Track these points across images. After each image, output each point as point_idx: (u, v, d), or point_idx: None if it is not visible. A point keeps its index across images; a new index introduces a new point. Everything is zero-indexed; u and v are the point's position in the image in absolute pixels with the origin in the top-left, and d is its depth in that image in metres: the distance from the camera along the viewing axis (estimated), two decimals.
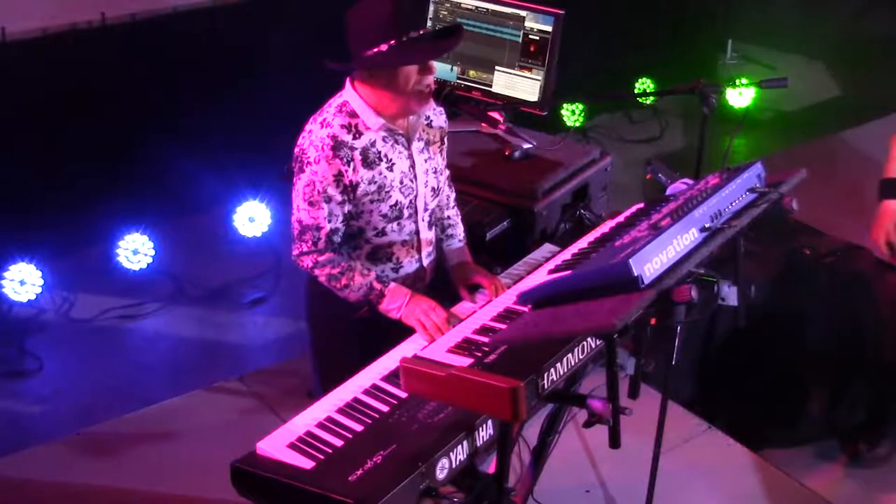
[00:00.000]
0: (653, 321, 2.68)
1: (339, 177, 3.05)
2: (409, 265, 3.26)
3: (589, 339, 2.70)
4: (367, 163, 3.07)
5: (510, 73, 4.34)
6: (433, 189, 3.25)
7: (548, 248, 3.46)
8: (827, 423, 4.35)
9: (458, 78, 4.43)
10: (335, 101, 3.12)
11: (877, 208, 4.11)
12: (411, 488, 2.36)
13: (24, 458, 4.20)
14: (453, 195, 3.47)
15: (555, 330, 2.54)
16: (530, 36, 4.29)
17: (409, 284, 3.21)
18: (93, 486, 4.05)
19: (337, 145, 3.04)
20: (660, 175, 3.47)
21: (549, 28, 4.26)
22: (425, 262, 3.31)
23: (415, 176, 3.18)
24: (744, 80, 5.50)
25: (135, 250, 5.33)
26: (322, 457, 2.48)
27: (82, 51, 5.28)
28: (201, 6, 5.58)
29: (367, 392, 2.74)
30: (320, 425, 2.61)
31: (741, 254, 3.01)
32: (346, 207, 3.10)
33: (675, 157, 6.55)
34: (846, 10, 7.63)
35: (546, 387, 2.56)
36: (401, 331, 3.07)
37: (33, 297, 5.07)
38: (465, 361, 2.68)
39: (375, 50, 2.97)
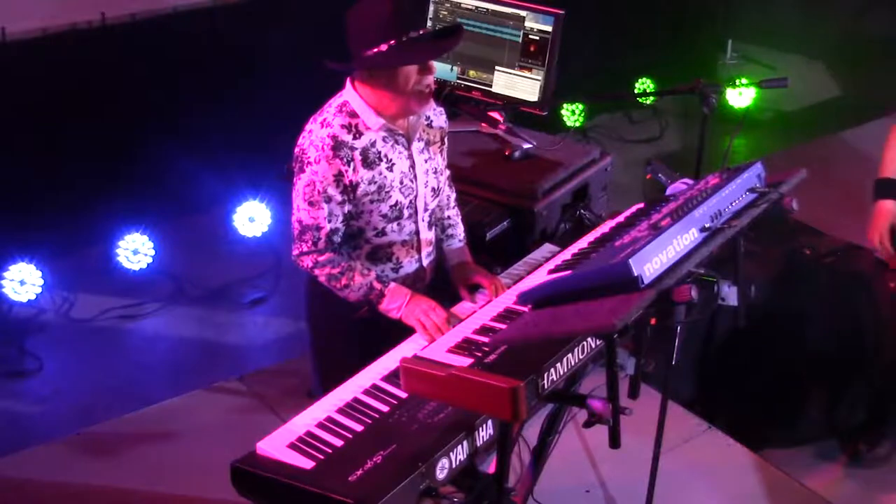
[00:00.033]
0: (653, 321, 2.68)
1: (339, 177, 3.05)
2: (409, 265, 3.26)
3: (589, 339, 2.70)
4: (367, 163, 3.07)
5: (510, 73, 4.34)
6: (433, 189, 3.25)
7: (548, 248, 3.46)
8: (827, 423, 4.35)
9: (458, 78, 4.43)
10: (335, 101, 3.13)
11: (872, 208, 4.13)
12: (411, 488, 2.36)
13: (24, 458, 4.20)
14: (454, 195, 3.47)
15: (555, 330, 2.54)
16: (530, 36, 4.29)
17: (408, 284, 3.21)
18: (93, 486, 4.05)
19: (337, 145, 3.04)
20: (660, 175, 3.47)
21: (549, 28, 4.26)
22: (425, 262, 3.31)
23: (415, 176, 3.18)
24: (744, 80, 5.50)
25: (135, 250, 5.33)
26: (322, 457, 2.48)
27: (82, 51, 5.28)
28: (201, 6, 5.58)
29: (367, 392, 2.74)
30: (320, 425, 2.61)
31: (741, 254, 3.01)
32: (346, 207, 3.10)
33: (675, 157, 6.55)
34: (846, 10, 7.63)
35: (546, 387, 2.56)
36: (401, 331, 3.07)
37: (33, 297, 5.07)
38: (465, 361, 2.68)
39: (375, 50, 2.97)
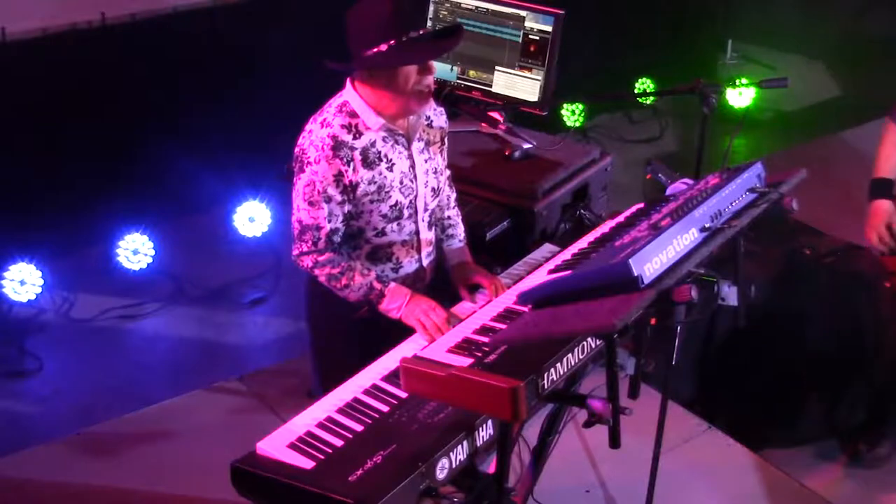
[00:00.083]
0: (653, 321, 2.68)
1: (339, 177, 3.05)
2: (409, 265, 3.26)
3: (589, 339, 2.70)
4: (367, 163, 3.07)
5: (510, 73, 4.34)
6: (433, 189, 3.25)
7: (548, 248, 3.46)
8: (827, 423, 4.35)
9: (458, 78, 4.43)
10: (335, 101, 3.13)
11: (867, 208, 4.14)
12: (411, 488, 2.36)
13: (24, 458, 4.20)
14: (454, 195, 3.47)
15: (555, 330, 2.54)
16: (530, 36, 4.29)
17: (408, 284, 3.21)
18: (93, 486, 4.05)
19: (337, 145, 3.04)
20: (660, 175, 3.47)
21: (549, 28, 4.26)
22: (425, 263, 3.31)
23: (415, 176, 3.18)
24: (744, 80, 5.51)
25: (135, 250, 5.33)
26: (322, 457, 2.48)
27: (82, 51, 5.28)
28: (201, 6, 5.58)
29: (367, 392, 2.74)
30: (320, 425, 2.61)
31: (741, 254, 3.01)
32: (346, 207, 3.10)
33: (675, 157, 6.55)
34: (846, 10, 7.63)
35: (546, 387, 2.56)
36: (401, 331, 3.07)
37: (33, 297, 5.07)
38: (465, 361, 2.68)
39: (375, 50, 2.97)
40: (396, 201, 3.14)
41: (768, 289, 4.24)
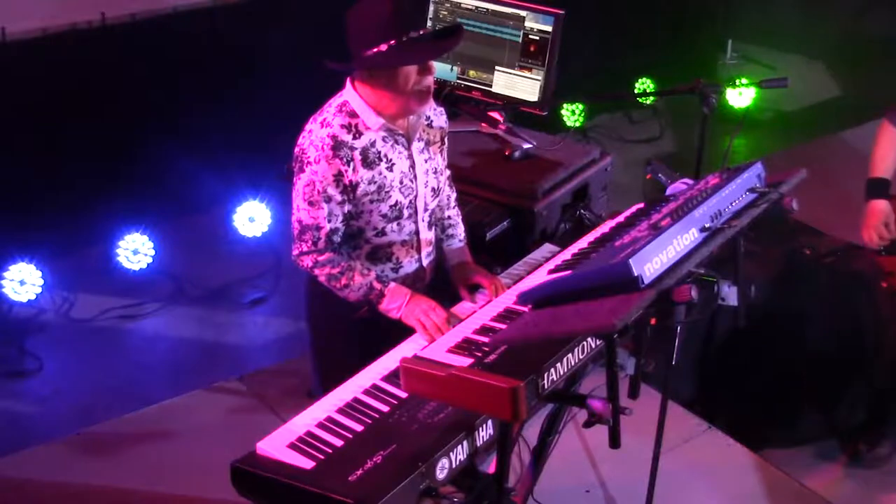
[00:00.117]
0: (653, 321, 2.68)
1: (338, 177, 3.04)
2: (409, 265, 3.26)
3: (589, 339, 2.70)
4: (367, 163, 3.07)
5: (510, 73, 4.34)
6: (433, 189, 3.25)
7: (548, 248, 3.46)
8: (827, 423, 4.35)
9: (458, 78, 4.43)
10: (335, 101, 3.13)
11: (864, 208, 4.14)
12: (411, 488, 2.36)
13: (24, 458, 4.20)
14: (454, 195, 3.47)
15: (555, 330, 2.54)
16: (530, 36, 4.29)
17: (408, 284, 3.21)
18: (93, 486, 4.05)
19: (337, 145, 3.04)
20: (660, 175, 3.47)
21: (549, 28, 4.26)
22: (425, 262, 3.31)
23: (415, 176, 3.18)
24: (744, 80, 5.50)
25: (135, 250, 5.33)
26: (322, 457, 2.48)
27: (82, 51, 5.28)
28: (201, 6, 5.58)
29: (367, 392, 2.74)
30: (320, 425, 2.61)
31: (741, 254, 3.01)
32: (346, 207, 3.10)
33: (675, 157, 6.55)
34: (846, 10, 7.63)
35: (546, 387, 2.56)
36: (401, 331, 3.07)
37: (33, 297, 5.07)
38: (465, 361, 2.68)
39: (375, 50, 2.97)
40: (396, 201, 3.14)
41: (768, 289, 4.24)
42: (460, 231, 3.47)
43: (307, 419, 2.64)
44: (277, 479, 2.44)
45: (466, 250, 3.45)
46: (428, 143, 3.24)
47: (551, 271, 3.14)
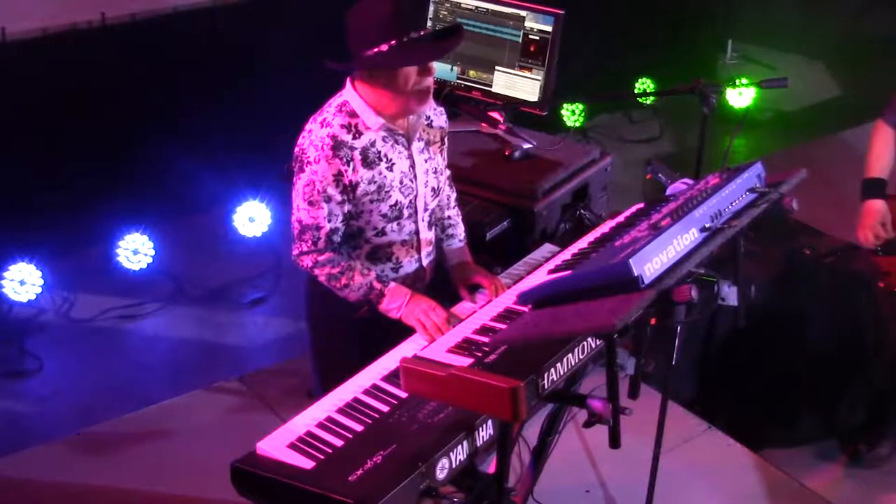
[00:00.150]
0: (653, 321, 2.68)
1: (338, 176, 3.04)
2: (409, 265, 3.26)
3: (589, 339, 2.70)
4: (367, 163, 3.07)
5: (510, 73, 4.34)
6: (433, 189, 3.25)
7: (548, 248, 3.46)
8: (827, 423, 4.35)
9: (458, 78, 4.43)
10: (335, 101, 3.12)
11: (860, 208, 4.14)
12: (411, 488, 2.36)
13: (24, 458, 4.20)
14: (454, 195, 3.47)
15: (555, 330, 2.54)
16: (530, 36, 4.29)
17: (408, 284, 3.21)
18: (93, 486, 4.05)
19: (337, 145, 3.04)
20: (660, 175, 3.47)
21: (549, 28, 4.26)
22: (425, 262, 3.31)
23: (415, 176, 3.18)
24: (744, 80, 5.51)
25: (135, 250, 5.33)
26: (322, 457, 2.48)
27: (82, 51, 5.28)
28: (201, 6, 5.58)
29: (367, 392, 2.74)
30: (320, 425, 2.61)
31: (741, 254, 3.01)
32: (346, 207, 3.10)
33: (675, 157, 6.55)
34: (846, 10, 7.63)
35: (546, 387, 2.56)
36: (401, 331, 3.07)
37: (33, 297, 5.07)
38: (465, 361, 2.68)
39: (376, 50, 2.97)
40: (396, 201, 3.14)
41: (768, 289, 4.24)
42: (460, 231, 3.47)
43: (307, 419, 2.64)
44: (277, 479, 2.44)
45: (466, 250, 3.45)
46: (428, 143, 3.23)
47: (551, 271, 3.14)
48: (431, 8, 4.45)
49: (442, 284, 3.36)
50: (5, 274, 5.02)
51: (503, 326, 2.87)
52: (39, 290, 5.07)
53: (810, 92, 7.45)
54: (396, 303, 3.10)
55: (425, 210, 3.24)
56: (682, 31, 7.43)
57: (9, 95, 5.09)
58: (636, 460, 3.62)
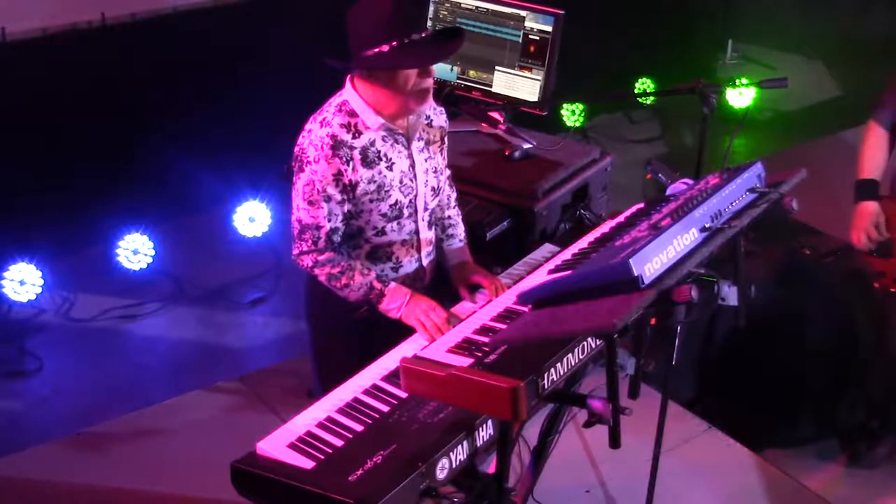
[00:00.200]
0: (653, 321, 2.67)
1: (338, 176, 3.04)
2: (409, 265, 3.26)
3: (589, 339, 2.70)
4: (367, 162, 3.07)
5: (510, 73, 4.34)
6: (433, 189, 3.25)
7: (548, 248, 3.46)
8: (827, 423, 4.35)
9: (458, 78, 4.43)
10: (335, 101, 3.12)
11: (853, 210, 4.13)
12: (411, 488, 2.36)
13: (24, 458, 4.20)
14: (454, 195, 3.47)
15: (555, 330, 2.54)
16: (530, 36, 4.29)
17: (408, 284, 3.20)
18: (93, 486, 4.05)
19: (336, 145, 3.04)
20: (660, 175, 3.47)
21: (549, 28, 4.26)
22: (425, 262, 3.31)
23: (414, 175, 3.18)
24: (744, 80, 5.50)
25: (135, 250, 5.33)
26: (322, 457, 2.48)
27: (82, 51, 5.28)
28: (201, 6, 5.58)
29: (367, 392, 2.74)
30: (320, 425, 2.61)
31: (741, 254, 3.01)
32: (346, 207, 3.10)
33: (675, 157, 6.55)
34: (846, 10, 7.63)
35: (546, 387, 2.56)
36: (401, 331, 3.07)
37: (33, 297, 5.07)
38: (465, 361, 2.68)
39: (376, 50, 2.97)
40: (396, 200, 3.14)
41: (768, 289, 4.23)
42: (460, 231, 3.47)
43: (307, 419, 2.64)
44: (277, 479, 2.44)
45: (466, 250, 3.45)
46: (428, 143, 3.23)
47: (551, 271, 3.14)
48: (431, 8, 4.45)
49: (442, 284, 3.36)
50: (5, 274, 5.02)
51: (503, 326, 2.87)
52: (39, 290, 5.07)
53: (810, 92, 7.45)
54: (396, 303, 3.10)
55: (425, 209, 3.24)
56: (682, 31, 7.43)
57: (9, 95, 5.09)
58: (636, 460, 3.62)
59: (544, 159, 4.31)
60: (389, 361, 2.87)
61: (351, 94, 3.09)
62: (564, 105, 6.71)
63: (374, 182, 3.09)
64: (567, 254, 3.26)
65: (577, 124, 6.79)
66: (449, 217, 3.43)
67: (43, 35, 5.17)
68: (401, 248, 3.22)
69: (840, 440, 4.33)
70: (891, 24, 7.46)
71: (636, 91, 7.12)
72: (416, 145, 3.18)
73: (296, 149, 3.11)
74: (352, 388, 2.77)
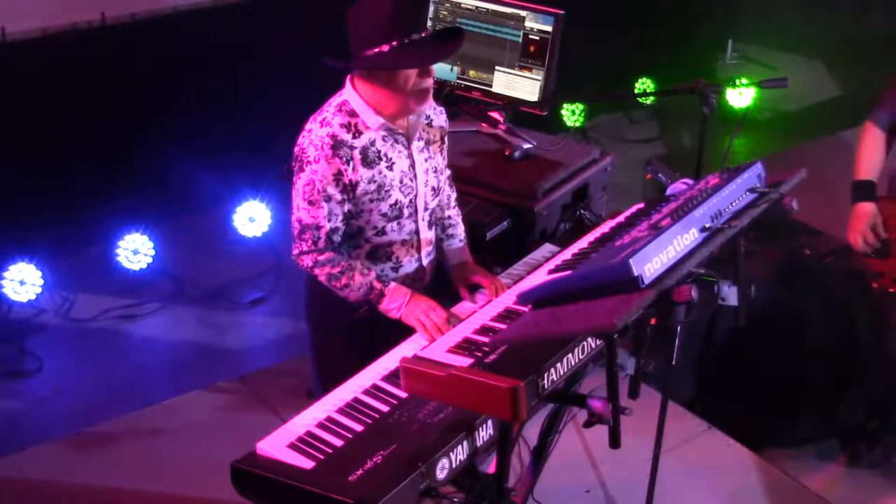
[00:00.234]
0: (653, 321, 2.67)
1: (338, 176, 3.04)
2: (409, 265, 3.26)
3: (589, 339, 2.70)
4: (367, 162, 3.07)
5: (510, 73, 4.34)
6: (433, 188, 3.25)
7: (548, 248, 3.46)
8: (827, 423, 4.35)
9: (458, 78, 4.43)
10: (335, 101, 3.12)
11: (850, 211, 4.13)
12: (411, 488, 2.36)
13: (24, 458, 4.20)
14: (454, 195, 3.47)
15: (555, 330, 2.54)
16: (530, 36, 4.29)
17: (408, 284, 3.21)
18: (93, 486, 4.05)
19: (336, 144, 3.04)
20: (660, 175, 3.47)
21: (549, 28, 4.26)
22: (425, 262, 3.31)
23: (415, 175, 3.18)
24: (744, 80, 5.50)
25: (135, 250, 5.33)
26: (322, 457, 2.48)
27: (82, 51, 5.28)
28: (201, 6, 5.58)
29: (367, 392, 2.74)
30: (320, 425, 2.61)
31: (741, 254, 3.01)
32: (346, 206, 3.10)
33: (675, 157, 6.55)
34: (846, 10, 7.63)
35: (546, 387, 2.56)
36: (401, 331, 3.07)
37: (33, 297, 5.07)
38: (465, 361, 2.68)
39: (376, 50, 2.97)
40: (396, 200, 3.14)
41: (768, 289, 4.23)
42: (460, 231, 3.47)
43: (307, 419, 2.64)
44: (277, 479, 2.44)
45: (466, 250, 3.45)
46: (428, 143, 3.23)
47: (551, 271, 3.14)
48: (431, 8, 4.45)
49: (442, 284, 3.36)
50: (5, 274, 5.02)
51: (503, 326, 2.87)
52: (39, 290, 5.07)
53: (810, 92, 7.45)
54: (396, 303, 3.10)
55: (425, 209, 3.24)
56: (682, 31, 7.43)
57: (9, 95, 5.09)
58: (636, 460, 3.62)
59: (544, 159, 4.31)
60: (389, 361, 2.87)
61: (351, 94, 3.09)
62: (564, 105, 6.71)
63: (375, 182, 3.09)
64: (567, 254, 3.26)
65: (577, 124, 6.79)
66: (449, 217, 3.43)
67: (43, 35, 5.17)
68: (401, 247, 3.22)
69: (840, 440, 4.33)
70: (891, 24, 7.46)
71: (636, 91, 7.12)
72: (417, 145, 3.19)
73: (296, 149, 3.11)
74: (352, 388, 2.77)
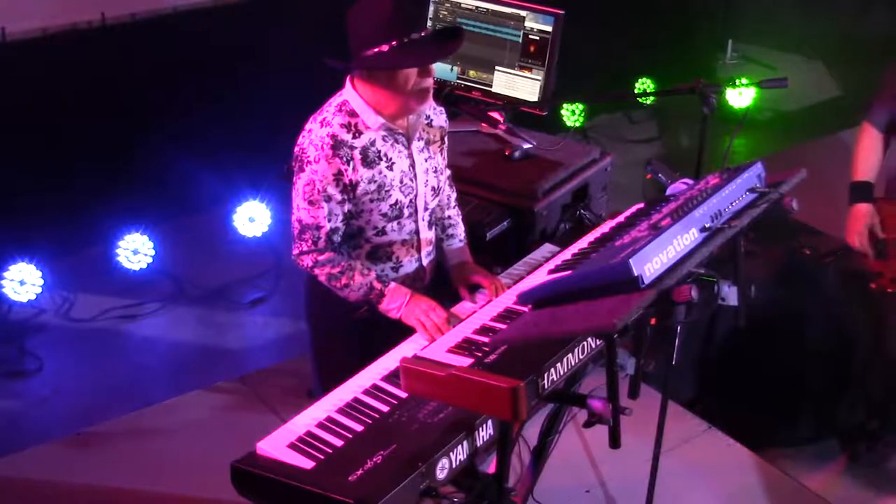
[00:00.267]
0: (653, 321, 2.67)
1: (338, 176, 3.04)
2: (409, 265, 3.26)
3: (589, 339, 2.70)
4: (367, 162, 3.07)
5: (510, 73, 4.34)
6: (433, 188, 3.25)
7: (548, 248, 3.46)
8: (827, 423, 4.35)
9: (458, 78, 4.43)
10: (335, 101, 3.12)
11: (848, 212, 4.13)
12: (411, 488, 2.36)
13: (24, 458, 4.20)
14: (454, 195, 3.47)
15: (555, 330, 2.54)
16: (530, 36, 4.29)
17: (408, 284, 3.21)
18: (93, 486, 4.05)
19: (336, 144, 3.04)
20: (660, 175, 3.47)
21: (549, 28, 4.26)
22: (425, 262, 3.31)
23: (415, 175, 3.18)
24: (744, 80, 5.50)
25: (135, 250, 5.33)
26: (322, 457, 2.48)
27: (82, 51, 5.28)
28: (201, 6, 5.58)
29: (367, 392, 2.74)
30: (320, 425, 2.61)
31: (741, 254, 3.01)
32: (346, 207, 3.10)
33: (675, 157, 6.55)
34: (846, 10, 7.63)
35: (546, 387, 2.56)
36: (401, 331, 3.07)
37: (33, 297, 5.07)
38: (465, 361, 2.68)
39: (376, 50, 2.97)
40: (396, 200, 3.14)
41: (768, 289, 4.24)
42: (460, 231, 3.47)
43: (307, 419, 2.64)
44: (277, 479, 2.44)
45: (466, 250, 3.45)
46: (428, 143, 3.23)
47: (551, 271, 3.14)
48: (431, 8, 4.45)
49: (442, 284, 3.36)
50: (5, 274, 5.02)
51: (503, 326, 2.87)
52: (39, 290, 5.07)
53: (810, 92, 7.45)
54: (396, 303, 3.10)
55: (425, 209, 3.24)
56: (682, 31, 7.43)
57: (9, 95, 5.09)
58: (636, 460, 3.62)
59: (544, 159, 4.31)
60: (389, 361, 2.87)
61: (351, 93, 3.09)
62: (564, 105, 6.72)
63: (375, 182, 3.09)
64: (567, 254, 3.26)
65: (577, 124, 6.80)
66: (449, 217, 3.43)
67: (43, 35, 5.17)
68: (401, 247, 3.22)
69: (840, 440, 4.33)
70: (891, 24, 7.45)
71: (636, 91, 7.13)
72: (417, 145, 3.19)
73: (296, 149, 3.11)
74: (352, 388, 2.77)
